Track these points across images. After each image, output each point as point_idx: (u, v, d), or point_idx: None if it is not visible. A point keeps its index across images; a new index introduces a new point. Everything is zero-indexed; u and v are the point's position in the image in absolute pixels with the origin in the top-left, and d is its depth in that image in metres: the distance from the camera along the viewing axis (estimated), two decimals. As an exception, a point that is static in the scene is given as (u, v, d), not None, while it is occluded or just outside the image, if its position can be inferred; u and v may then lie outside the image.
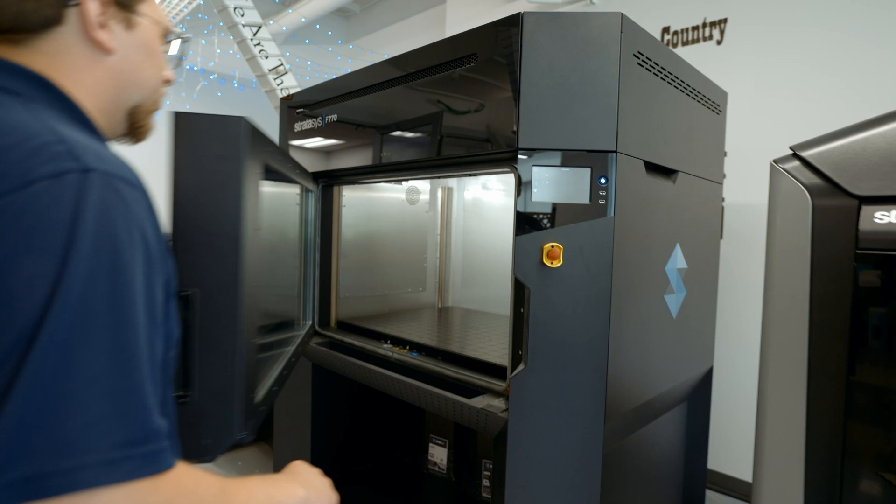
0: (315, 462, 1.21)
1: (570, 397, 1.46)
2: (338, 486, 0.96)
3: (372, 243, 2.75)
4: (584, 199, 1.43)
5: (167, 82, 0.81)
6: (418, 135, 1.81)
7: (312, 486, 0.84)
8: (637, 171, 1.52)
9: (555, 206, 1.43)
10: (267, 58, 3.32)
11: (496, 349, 2.06)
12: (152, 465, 0.52)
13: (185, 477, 0.56)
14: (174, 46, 0.84)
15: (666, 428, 1.99)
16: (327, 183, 2.43)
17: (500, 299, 2.90)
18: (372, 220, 2.75)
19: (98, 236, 0.51)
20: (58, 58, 0.64)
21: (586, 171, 1.42)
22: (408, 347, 2.13)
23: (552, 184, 1.43)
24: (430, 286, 3.08)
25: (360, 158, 2.10)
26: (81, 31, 0.64)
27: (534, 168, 1.43)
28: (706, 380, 2.15)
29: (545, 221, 1.44)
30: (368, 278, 2.75)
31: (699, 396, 2.17)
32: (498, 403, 1.58)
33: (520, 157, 1.45)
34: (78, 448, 0.46)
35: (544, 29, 1.42)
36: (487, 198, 3.01)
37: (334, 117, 2.14)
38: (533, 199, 1.44)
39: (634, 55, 1.47)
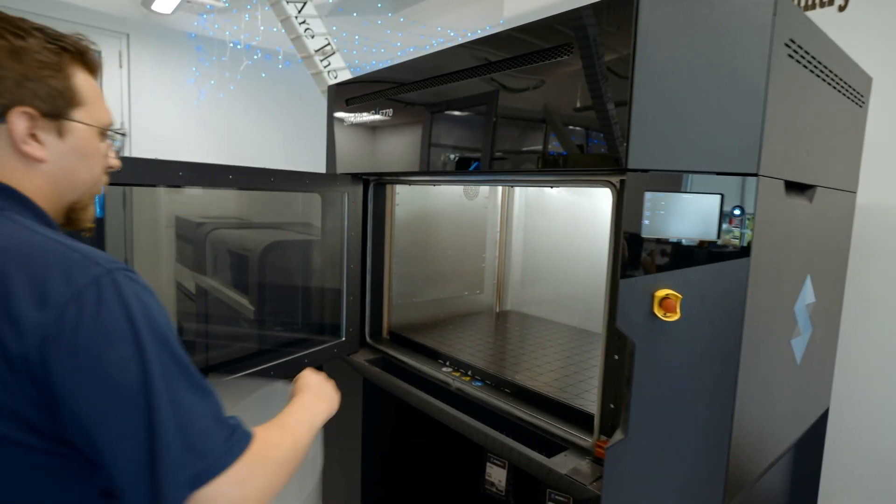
0: (365, 478, 1.05)
1: (681, 474, 1.19)
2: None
3: (426, 243, 2.51)
4: (712, 234, 1.12)
5: (109, 169, 0.87)
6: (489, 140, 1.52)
7: (329, 398, 1.06)
8: (777, 195, 1.19)
9: (672, 243, 1.13)
10: (313, 37, 3.03)
11: (572, 380, 1.80)
12: (245, 440, 0.72)
13: (261, 434, 0.76)
14: (114, 137, 0.86)
15: (772, 482, 1.70)
16: (380, 181, 2.18)
17: (563, 304, 2.63)
18: (427, 218, 2.50)
19: (145, 316, 0.66)
20: (11, 175, 0.72)
21: (715, 200, 1.11)
22: (470, 374, 1.89)
23: (670, 214, 1.13)
24: (487, 288, 2.82)
25: (416, 158, 1.84)
26: (11, 146, 0.70)
27: (646, 194, 1.13)
28: (821, 422, 1.82)
29: (658, 261, 1.14)
30: (423, 282, 2.52)
31: (811, 442, 1.85)
32: (585, 468, 1.33)
33: (628, 178, 1.15)
34: (208, 449, 0.67)
35: (668, 11, 1.09)
36: (551, 193, 2.69)
37: (389, 112, 1.87)
38: (644, 232, 1.14)
39: (786, 44, 1.12)
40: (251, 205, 2.11)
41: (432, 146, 1.75)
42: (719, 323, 1.13)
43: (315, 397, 1.01)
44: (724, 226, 1.11)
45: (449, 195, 2.57)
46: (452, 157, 1.63)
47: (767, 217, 1.14)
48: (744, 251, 1.11)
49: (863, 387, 1.98)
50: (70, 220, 0.83)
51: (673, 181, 1.12)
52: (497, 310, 2.85)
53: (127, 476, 0.62)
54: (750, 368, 1.17)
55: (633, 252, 1.15)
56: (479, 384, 1.81)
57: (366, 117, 2.01)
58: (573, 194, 2.54)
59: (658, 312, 1.13)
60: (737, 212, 1.10)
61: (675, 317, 1.11)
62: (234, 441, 0.71)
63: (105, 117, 0.82)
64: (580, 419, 1.51)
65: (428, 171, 1.75)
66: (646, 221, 1.14)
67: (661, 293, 1.12)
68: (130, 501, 0.63)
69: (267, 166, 1.75)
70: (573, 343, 2.29)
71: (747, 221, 1.10)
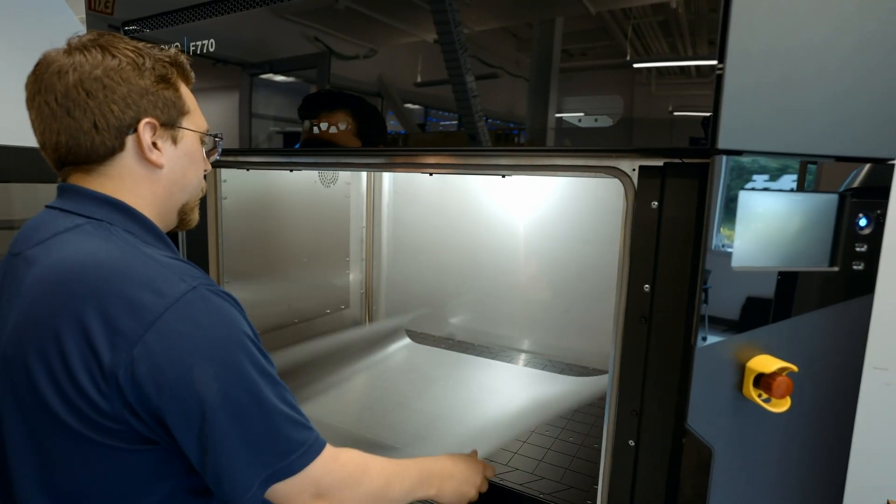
0: None
1: None
2: None
3: (270, 248, 1.77)
4: (821, 261, 0.68)
5: (205, 172, 0.89)
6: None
7: (459, 489, 0.96)
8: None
9: (772, 278, 0.67)
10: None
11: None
12: (321, 444, 0.74)
13: (333, 450, 0.78)
14: (210, 143, 0.89)
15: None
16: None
17: (444, 314, 2.13)
18: (269, 212, 1.75)
19: (230, 327, 0.68)
20: (122, 179, 0.76)
21: (831, 202, 0.67)
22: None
23: (769, 229, 0.66)
24: (354, 300, 2.18)
25: (256, 123, 1.13)
26: (138, 154, 0.75)
27: (741, 194, 0.64)
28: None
29: (752, 309, 0.67)
30: (268, 303, 1.78)
31: None
32: None
33: (717, 165, 0.64)
34: (292, 448, 0.70)
35: None
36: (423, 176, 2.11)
37: (211, 46, 1.11)
38: (735, 262, 0.65)
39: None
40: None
41: (280, 102, 1.06)
42: (830, 398, 0.71)
43: (450, 474, 0.96)
44: (846, 245, 0.68)
45: (298, 180, 1.86)
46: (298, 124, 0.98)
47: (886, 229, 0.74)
48: (866, 283, 0.69)
49: None
50: (181, 221, 0.87)
51: (774, 173, 0.65)
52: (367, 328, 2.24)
53: (210, 478, 0.66)
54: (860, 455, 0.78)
55: (716, 297, 0.66)
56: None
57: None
58: (444, 177, 2.03)
59: (752, 395, 0.66)
60: (863, 221, 0.68)
61: (784, 405, 0.66)
62: (313, 439, 0.73)
63: (203, 123, 0.86)
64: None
65: (297, 152, 1.06)
66: (738, 242, 0.65)
67: (762, 365, 0.66)
68: (216, 495, 0.67)
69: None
70: (472, 367, 1.80)
71: (877, 238, 0.68)
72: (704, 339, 0.65)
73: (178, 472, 0.70)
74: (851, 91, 0.65)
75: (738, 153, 0.63)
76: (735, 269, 0.65)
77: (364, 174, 2.14)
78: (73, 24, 2.57)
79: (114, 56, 0.72)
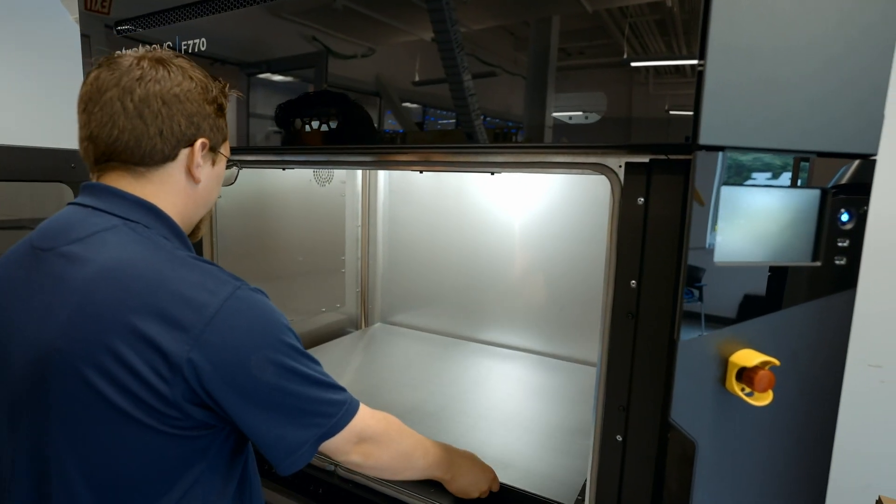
0: None
1: None
2: None
3: (264, 247, 1.77)
4: (804, 256, 0.69)
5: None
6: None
7: (473, 479, 1.05)
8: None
9: (754, 273, 0.68)
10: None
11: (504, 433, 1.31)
12: (356, 403, 0.84)
13: (389, 417, 0.92)
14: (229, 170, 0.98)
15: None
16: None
17: (438, 312, 2.14)
18: (263, 211, 1.76)
19: (271, 320, 0.75)
20: (165, 186, 0.82)
21: (814, 197, 0.68)
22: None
23: (751, 225, 0.66)
24: (349, 299, 2.18)
25: (254, 123, 1.13)
26: (185, 167, 0.82)
27: (723, 190, 0.65)
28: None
29: (736, 305, 0.67)
30: (263, 303, 1.78)
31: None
32: None
33: (699, 160, 0.65)
34: (336, 410, 0.79)
35: None
36: (417, 174, 2.11)
37: (202, 44, 1.11)
38: (717, 256, 0.66)
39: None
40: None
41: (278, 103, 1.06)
42: (812, 394, 0.71)
43: (468, 469, 1.05)
44: (828, 240, 0.68)
45: (293, 179, 1.86)
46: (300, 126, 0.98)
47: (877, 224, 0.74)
48: (848, 277, 0.70)
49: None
50: (192, 233, 0.91)
51: (756, 168, 0.66)
52: (363, 326, 2.24)
53: (269, 445, 0.75)
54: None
55: (698, 291, 0.67)
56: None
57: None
58: (439, 175, 2.03)
59: (735, 390, 0.67)
60: (845, 216, 0.68)
61: (767, 398, 0.66)
62: (350, 400, 0.82)
63: (228, 151, 0.92)
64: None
65: (287, 148, 1.06)
66: (719, 238, 0.66)
67: (744, 359, 0.66)
68: (272, 459, 0.77)
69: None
70: (467, 361, 1.81)
71: (858, 233, 0.69)
72: (687, 333, 0.66)
73: (213, 455, 0.77)
74: (834, 89, 0.66)
75: (720, 149, 0.64)
76: (718, 264, 0.66)
77: (359, 173, 2.15)
78: (69, 24, 2.56)
79: (191, 79, 0.81)
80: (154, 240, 0.76)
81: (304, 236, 1.91)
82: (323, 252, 2.03)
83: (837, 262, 0.69)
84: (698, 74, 0.61)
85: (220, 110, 0.87)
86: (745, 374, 0.66)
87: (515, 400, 1.55)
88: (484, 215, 1.93)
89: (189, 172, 0.83)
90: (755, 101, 0.64)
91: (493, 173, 1.02)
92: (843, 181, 0.68)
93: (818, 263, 0.68)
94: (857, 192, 0.68)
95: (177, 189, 0.83)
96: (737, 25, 0.61)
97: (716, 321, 0.67)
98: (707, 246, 0.65)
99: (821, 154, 0.67)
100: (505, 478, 1.11)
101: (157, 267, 0.72)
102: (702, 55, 0.61)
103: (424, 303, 2.16)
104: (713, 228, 0.65)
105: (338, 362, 1.83)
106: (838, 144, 0.67)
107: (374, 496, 1.15)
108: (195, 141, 0.82)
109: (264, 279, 1.76)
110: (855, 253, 0.69)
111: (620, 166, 0.79)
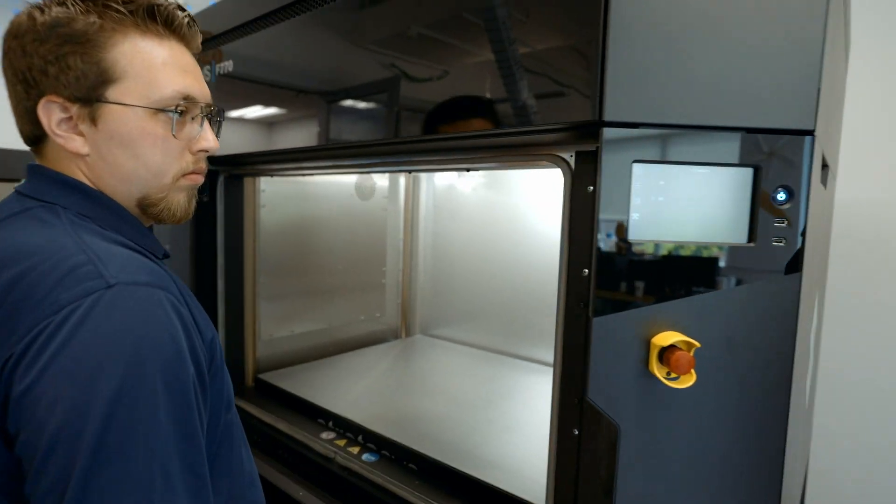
0: None
1: None
2: None
3: (307, 257, 1.92)
4: (740, 236, 0.66)
5: (200, 153, 0.69)
6: (380, 102, 0.99)
7: None
8: (818, 174, 0.76)
9: (677, 252, 0.66)
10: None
11: (514, 442, 1.30)
12: None
13: None
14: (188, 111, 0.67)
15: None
16: (233, 174, 1.57)
17: (484, 325, 2.16)
18: (307, 225, 1.91)
19: (139, 350, 0.51)
20: (59, 163, 0.64)
21: (746, 175, 0.65)
22: (361, 440, 1.34)
23: (673, 203, 0.66)
24: (390, 309, 2.27)
25: (285, 136, 1.27)
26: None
27: (635, 168, 0.65)
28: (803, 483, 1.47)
29: (657, 284, 0.66)
30: (304, 307, 1.92)
31: None
32: None
33: (605, 142, 0.66)
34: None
35: None
36: (466, 185, 2.18)
37: (229, 67, 1.28)
38: (631, 235, 0.66)
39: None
40: None
41: (302, 117, 1.19)
42: (755, 382, 0.67)
43: None
44: (763, 220, 0.65)
45: (335, 196, 2.01)
46: (327, 132, 1.08)
47: (814, 206, 0.70)
48: (794, 262, 0.66)
49: (839, 425, 1.66)
50: (150, 216, 0.69)
51: (677, 145, 0.65)
52: (403, 335, 2.32)
53: None
54: (792, 446, 0.73)
55: (612, 269, 0.66)
56: (374, 458, 1.26)
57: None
58: (489, 189, 2.07)
59: (659, 373, 0.65)
60: (782, 195, 0.65)
61: (689, 380, 0.64)
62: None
63: (161, 90, 0.64)
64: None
65: (298, 151, 1.18)
66: (634, 216, 0.65)
67: (664, 340, 0.65)
68: None
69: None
70: (504, 376, 1.81)
71: (798, 213, 0.65)
72: (601, 312, 0.66)
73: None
74: (761, 62, 0.64)
75: (633, 126, 0.64)
76: (632, 241, 0.65)
77: (402, 188, 2.25)
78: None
79: (18, 25, 0.61)
80: (58, 222, 0.60)
81: (345, 248, 2.04)
82: (364, 264, 2.14)
83: (775, 243, 0.65)
84: (601, 51, 0.63)
85: (71, 41, 0.59)
86: (664, 356, 0.64)
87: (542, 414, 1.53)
88: (530, 230, 1.94)
89: (58, 144, 0.63)
90: (669, 77, 0.64)
91: (467, 170, 1.06)
92: (777, 157, 0.65)
93: (752, 245, 0.65)
94: (791, 169, 0.64)
95: (70, 165, 0.64)
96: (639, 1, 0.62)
97: (634, 301, 0.66)
98: (624, 223, 0.65)
99: (749, 130, 0.65)
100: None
101: (22, 253, 0.56)
102: (604, 34, 0.63)
103: (466, 316, 2.19)
104: (627, 206, 0.65)
105: (368, 365, 1.91)
106: (767, 121, 0.64)
107: (368, 485, 1.19)
108: (35, 108, 0.61)
109: (305, 288, 1.90)
110: (795, 234, 0.65)
111: (571, 156, 0.81)
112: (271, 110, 1.27)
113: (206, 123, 0.69)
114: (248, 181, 1.63)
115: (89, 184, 0.65)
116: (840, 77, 1.04)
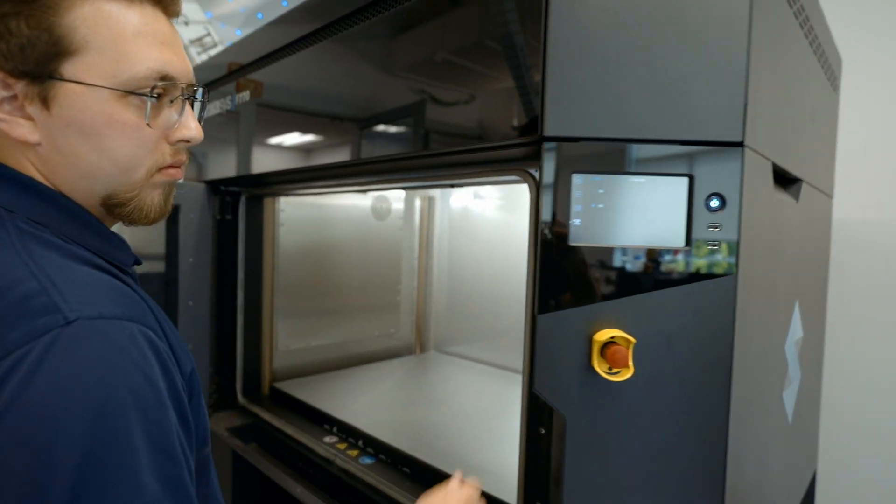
0: None
1: None
2: None
3: (324, 274, 2.03)
4: (678, 240, 0.71)
5: (179, 143, 0.57)
6: (364, 122, 1.09)
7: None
8: (765, 183, 0.80)
9: (618, 256, 0.72)
10: (187, 24, 2.57)
11: (501, 452, 1.34)
12: None
13: None
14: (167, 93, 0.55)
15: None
16: (253, 194, 1.70)
17: (497, 344, 2.20)
18: (324, 244, 2.02)
19: (101, 399, 0.42)
20: (2, 154, 0.52)
21: (681, 184, 0.71)
22: (360, 445, 1.41)
23: (612, 210, 0.71)
24: (404, 326, 2.35)
25: (296, 157, 1.38)
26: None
27: (575, 178, 0.72)
28: (809, 492, 1.44)
29: (598, 284, 0.72)
30: (319, 322, 2.02)
31: (798, 515, 1.46)
32: None
33: (546, 156, 0.73)
34: None
35: None
36: (481, 207, 2.27)
37: (245, 98, 1.41)
38: (573, 238, 0.72)
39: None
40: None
41: (311, 140, 1.30)
42: (695, 378, 0.71)
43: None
44: (698, 226, 0.70)
45: (352, 216, 2.12)
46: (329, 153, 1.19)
47: (756, 213, 0.75)
48: (728, 265, 0.70)
49: (851, 441, 1.62)
50: (117, 216, 0.58)
51: (616, 157, 0.71)
52: (417, 352, 2.38)
53: None
54: (739, 443, 0.75)
55: (555, 271, 0.72)
56: (370, 461, 1.33)
57: (216, 108, 1.54)
58: (502, 210, 2.14)
59: (600, 368, 0.70)
60: (714, 203, 0.70)
61: (626, 373, 0.69)
62: None
63: (132, 67, 0.51)
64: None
65: (301, 171, 1.29)
66: (575, 221, 0.71)
67: (604, 336, 0.70)
68: None
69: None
70: (511, 392, 1.85)
71: (732, 219, 0.70)
72: (544, 309, 0.72)
73: None
74: (686, 81, 0.70)
75: (572, 140, 0.71)
76: (573, 245, 0.71)
77: (417, 209, 2.35)
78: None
79: None
80: (4, 233, 0.49)
81: (361, 267, 2.14)
82: (379, 282, 2.23)
83: (710, 247, 0.70)
84: (542, 67, 0.70)
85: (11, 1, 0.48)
86: (606, 351, 0.69)
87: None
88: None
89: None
90: (604, 97, 0.70)
91: (452, 185, 1.13)
92: (710, 168, 0.70)
93: (688, 248, 0.70)
94: (723, 178, 0.69)
95: (19, 159, 0.53)
96: (577, 15, 0.70)
97: (577, 300, 0.72)
98: (566, 228, 0.72)
99: (684, 142, 0.70)
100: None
101: None
102: (544, 49, 0.70)
103: (480, 334, 2.25)
104: (568, 213, 0.71)
105: (378, 378, 1.98)
106: (701, 133, 0.70)
107: (363, 486, 1.25)
108: None
109: (322, 303, 2.00)
110: (726, 237, 0.70)
111: (537, 171, 0.88)
112: (282, 135, 1.39)
113: (188, 108, 0.57)
114: (267, 201, 1.76)
115: (43, 180, 0.53)
116: (813, 93, 1.08)
